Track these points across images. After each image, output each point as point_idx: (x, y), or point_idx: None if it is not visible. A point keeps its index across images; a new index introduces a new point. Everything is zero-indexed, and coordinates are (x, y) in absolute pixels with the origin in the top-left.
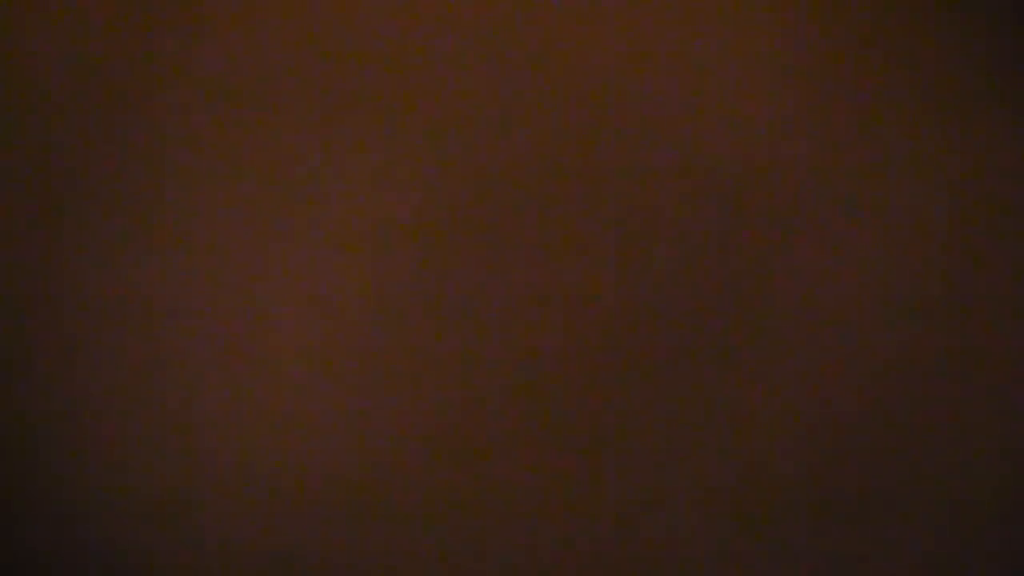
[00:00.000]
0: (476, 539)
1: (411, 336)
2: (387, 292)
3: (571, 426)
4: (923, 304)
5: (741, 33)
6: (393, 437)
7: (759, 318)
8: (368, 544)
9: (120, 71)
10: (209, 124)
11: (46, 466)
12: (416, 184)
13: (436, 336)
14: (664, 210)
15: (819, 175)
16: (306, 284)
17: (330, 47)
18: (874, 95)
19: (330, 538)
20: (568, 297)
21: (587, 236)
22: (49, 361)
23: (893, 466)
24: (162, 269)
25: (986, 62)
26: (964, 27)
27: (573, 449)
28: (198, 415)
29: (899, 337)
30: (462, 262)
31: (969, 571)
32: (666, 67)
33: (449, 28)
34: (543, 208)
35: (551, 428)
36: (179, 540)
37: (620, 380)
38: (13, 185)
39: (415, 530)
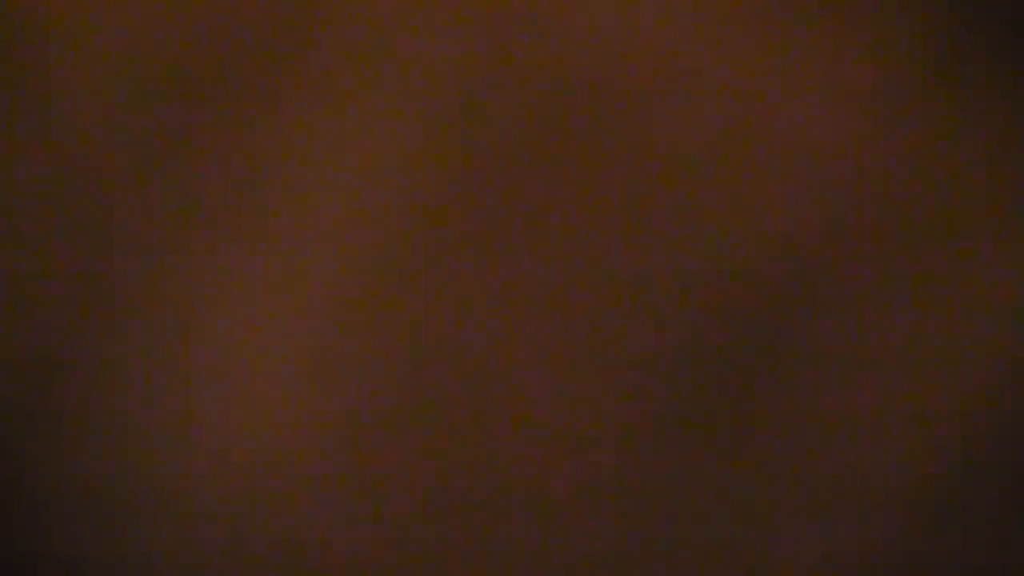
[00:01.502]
0: (469, 539)
1: (400, 329)
2: (375, 284)
3: (571, 426)
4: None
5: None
6: (383, 432)
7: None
8: (360, 540)
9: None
10: (188, 115)
11: (44, 464)
12: (403, 171)
13: (427, 330)
14: (672, 196)
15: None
16: (291, 277)
17: (312, 29)
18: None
19: (322, 534)
20: (567, 292)
21: (592, 227)
22: (46, 359)
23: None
24: (147, 265)
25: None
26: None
27: (575, 451)
28: (188, 410)
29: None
30: (452, 253)
31: None
32: (679, 45)
33: (436, 4)
34: (540, 197)
35: (546, 427)
36: (172, 538)
37: (624, 385)
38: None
39: (406, 524)
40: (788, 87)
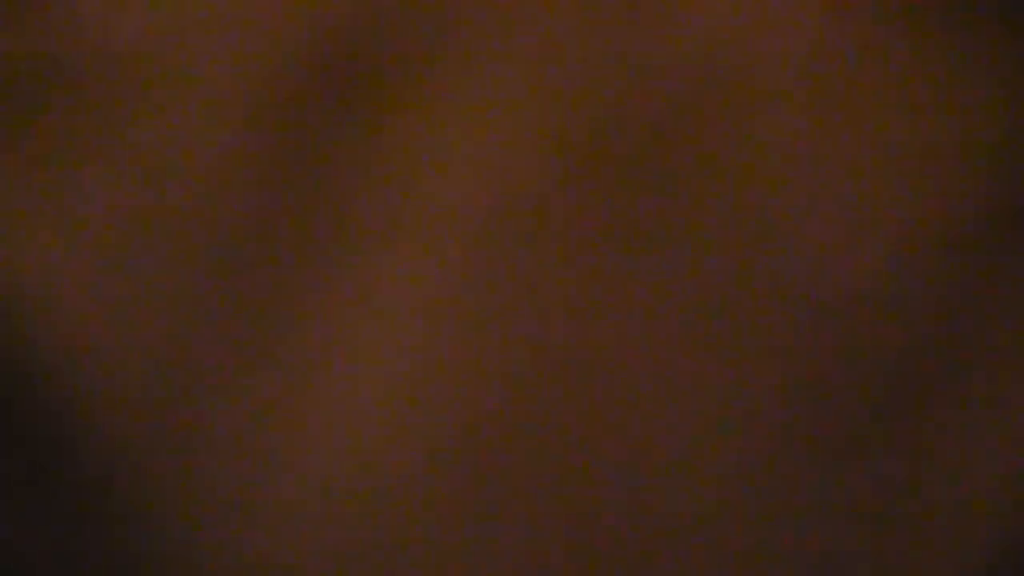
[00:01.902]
0: (579, 553)
1: (519, 334)
2: (496, 289)
3: (692, 436)
4: None
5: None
6: (501, 442)
7: None
8: (471, 555)
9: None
10: (311, 123)
11: (170, 474)
12: (528, 172)
13: (550, 337)
14: (802, 200)
15: None
16: (403, 281)
17: (436, 32)
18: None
19: (432, 548)
20: (694, 296)
21: (717, 227)
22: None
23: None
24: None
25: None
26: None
27: (699, 465)
28: (298, 414)
29: None
30: (579, 256)
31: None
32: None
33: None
34: (669, 197)
35: (667, 436)
36: (288, 546)
37: (753, 406)
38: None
39: (520, 539)
40: (918, 92)
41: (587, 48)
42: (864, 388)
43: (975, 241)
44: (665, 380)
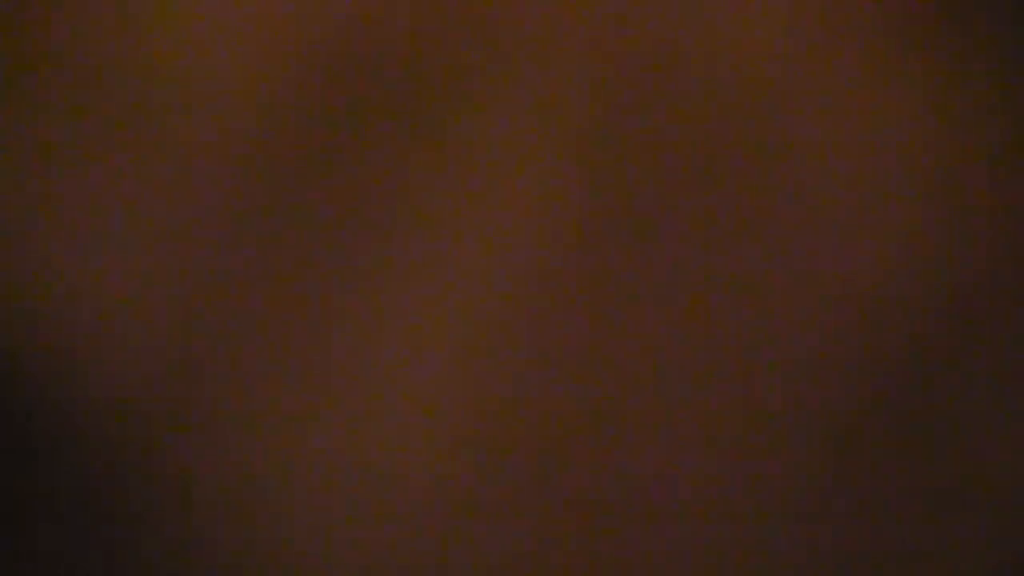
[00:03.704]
0: (618, 552)
1: (540, 341)
2: (518, 302)
3: (717, 441)
4: None
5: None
6: (542, 447)
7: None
8: (516, 552)
9: None
10: (332, 134)
11: (177, 464)
12: (549, 189)
13: (591, 341)
14: (824, 212)
15: None
16: (449, 284)
17: (457, 51)
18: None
19: (468, 545)
20: (717, 308)
21: (736, 243)
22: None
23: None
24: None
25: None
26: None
27: (720, 461)
28: (306, 417)
29: None
30: (598, 269)
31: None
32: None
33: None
34: (685, 213)
35: (689, 441)
36: (306, 545)
37: (783, 391)
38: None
39: (554, 540)
40: (923, 95)
41: (622, 70)
42: (868, 388)
43: (981, 240)
44: (682, 384)
